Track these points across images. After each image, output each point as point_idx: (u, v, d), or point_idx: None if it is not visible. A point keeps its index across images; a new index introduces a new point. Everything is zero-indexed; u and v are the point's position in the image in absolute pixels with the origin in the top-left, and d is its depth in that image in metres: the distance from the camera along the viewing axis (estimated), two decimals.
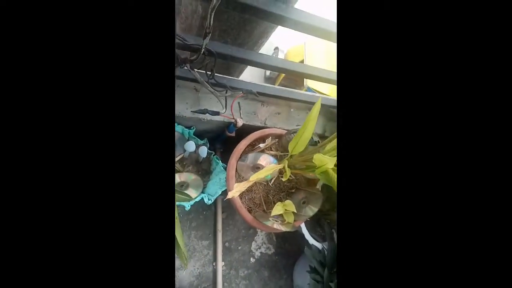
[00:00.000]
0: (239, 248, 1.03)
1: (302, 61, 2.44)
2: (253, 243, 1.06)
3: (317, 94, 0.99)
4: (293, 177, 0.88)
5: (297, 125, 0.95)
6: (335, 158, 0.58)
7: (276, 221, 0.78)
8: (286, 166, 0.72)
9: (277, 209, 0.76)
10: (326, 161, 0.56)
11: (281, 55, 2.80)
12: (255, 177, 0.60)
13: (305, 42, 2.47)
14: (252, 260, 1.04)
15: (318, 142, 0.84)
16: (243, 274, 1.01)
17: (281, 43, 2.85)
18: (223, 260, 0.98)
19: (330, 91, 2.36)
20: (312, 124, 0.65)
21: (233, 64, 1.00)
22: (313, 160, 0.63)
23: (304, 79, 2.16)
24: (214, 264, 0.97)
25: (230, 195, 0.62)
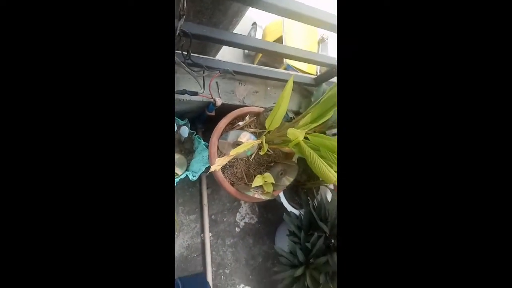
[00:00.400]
0: (225, 219, 1.11)
1: (280, 37, 2.42)
2: (238, 214, 1.14)
3: (293, 72, 1.03)
4: (272, 152, 0.95)
5: (274, 103, 1.00)
6: (305, 131, 0.64)
7: (256, 191, 0.86)
8: (264, 141, 0.78)
9: (257, 181, 0.83)
10: (297, 134, 0.63)
11: (259, 31, 2.75)
12: (234, 152, 0.66)
13: (283, 17, 2.43)
14: (237, 229, 1.13)
15: (293, 118, 0.90)
16: (230, 242, 1.10)
17: (259, 18, 2.78)
18: (210, 232, 1.06)
19: (309, 68, 2.39)
20: (285, 101, 0.70)
21: (210, 43, 1.00)
22: (287, 135, 0.69)
23: None
24: (202, 236, 1.05)
25: (212, 168, 0.67)
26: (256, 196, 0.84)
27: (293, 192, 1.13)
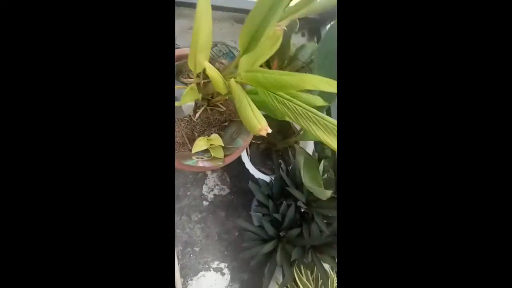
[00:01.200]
0: (188, 193, 0.96)
1: None
2: (204, 186, 0.99)
3: None
4: (224, 108, 0.75)
5: (217, 42, 0.76)
6: (206, 60, 0.43)
7: (201, 158, 0.68)
8: (192, 90, 0.57)
9: (199, 145, 0.65)
10: (206, 66, 0.42)
11: None
12: None
13: None
14: (205, 203, 0.98)
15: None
16: (197, 218, 0.96)
17: None
18: None
19: None
20: (205, 26, 0.48)
21: None
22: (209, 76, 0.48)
23: None
24: None
25: None
26: (200, 164, 0.67)
27: (264, 156, 0.95)
